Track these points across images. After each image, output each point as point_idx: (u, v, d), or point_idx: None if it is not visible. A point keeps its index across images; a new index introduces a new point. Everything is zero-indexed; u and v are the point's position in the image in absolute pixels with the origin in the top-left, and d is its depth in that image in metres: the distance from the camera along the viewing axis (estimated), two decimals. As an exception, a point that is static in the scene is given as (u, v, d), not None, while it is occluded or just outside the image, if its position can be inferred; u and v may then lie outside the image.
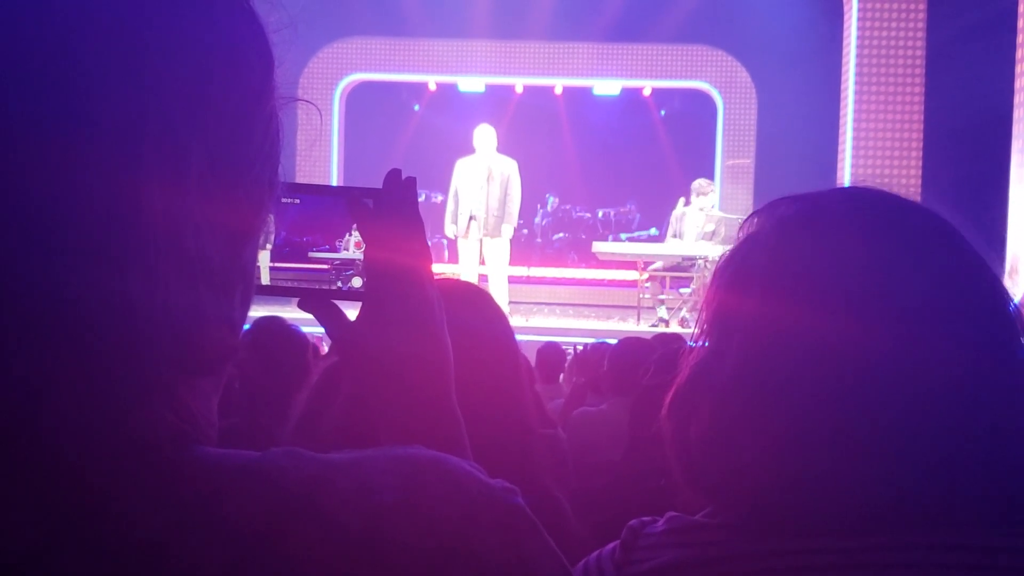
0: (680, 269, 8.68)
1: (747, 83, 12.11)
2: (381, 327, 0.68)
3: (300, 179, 0.76)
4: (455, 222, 8.64)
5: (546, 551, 0.51)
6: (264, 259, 0.63)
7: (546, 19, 11.59)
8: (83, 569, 0.43)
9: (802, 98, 10.36)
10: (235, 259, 0.51)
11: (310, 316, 0.70)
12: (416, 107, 14.00)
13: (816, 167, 9.47)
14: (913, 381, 0.70)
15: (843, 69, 9.55)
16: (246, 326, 0.55)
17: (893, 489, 0.70)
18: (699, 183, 8.96)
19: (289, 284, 0.76)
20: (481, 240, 8.60)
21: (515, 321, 6.82)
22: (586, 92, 13.13)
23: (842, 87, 9.57)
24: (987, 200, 6.93)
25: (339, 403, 1.14)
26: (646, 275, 8.85)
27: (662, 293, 8.86)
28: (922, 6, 9.09)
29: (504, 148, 8.89)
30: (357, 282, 0.75)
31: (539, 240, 13.37)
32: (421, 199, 0.63)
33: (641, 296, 9.06)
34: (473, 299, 1.29)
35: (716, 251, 7.71)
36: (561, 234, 13.54)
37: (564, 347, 5.53)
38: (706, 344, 0.81)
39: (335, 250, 0.80)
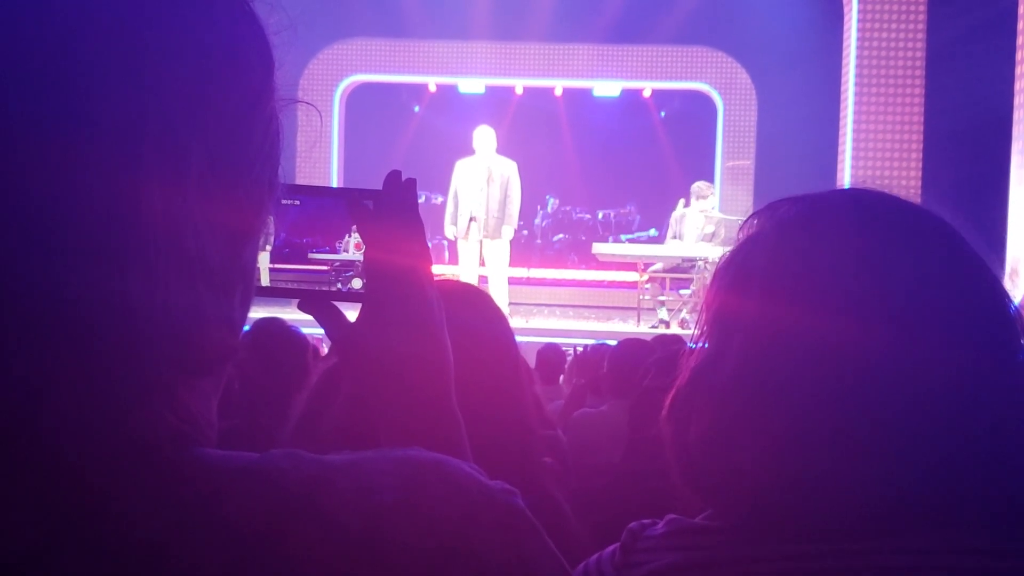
0: (680, 270, 8.68)
1: (747, 84, 12.10)
2: (381, 328, 0.68)
3: (300, 180, 0.76)
4: (455, 223, 8.63)
5: (545, 552, 0.51)
6: (264, 260, 0.63)
7: (546, 20, 11.59)
8: (83, 569, 0.43)
9: (802, 99, 10.35)
10: (235, 259, 0.51)
11: (310, 317, 0.70)
12: (416, 108, 13.99)
13: (816, 168, 9.47)
14: (913, 382, 0.70)
15: (843, 70, 9.55)
16: (246, 327, 0.55)
17: (893, 489, 0.70)
18: (699, 186, 8.96)
19: (289, 285, 0.76)
20: (481, 241, 8.60)
21: (515, 322, 6.83)
22: (586, 93, 13.13)
23: (842, 88, 9.57)
24: (987, 201, 6.92)
25: (339, 404, 1.14)
26: (646, 276, 8.85)
27: (662, 294, 8.86)
28: (922, 7, 9.09)
29: (504, 149, 8.89)
30: (357, 283, 0.75)
31: (539, 241, 13.36)
32: (421, 200, 0.63)
33: (641, 297, 9.06)
34: (473, 300, 1.29)
35: (716, 252, 7.71)
36: (561, 235, 13.53)
37: (564, 348, 5.53)
38: (706, 345, 0.81)
39: (335, 251, 0.80)
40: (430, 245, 0.72)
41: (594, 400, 3.70)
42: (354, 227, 0.73)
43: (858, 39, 9.18)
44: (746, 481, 0.73)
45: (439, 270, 10.37)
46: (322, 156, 11.92)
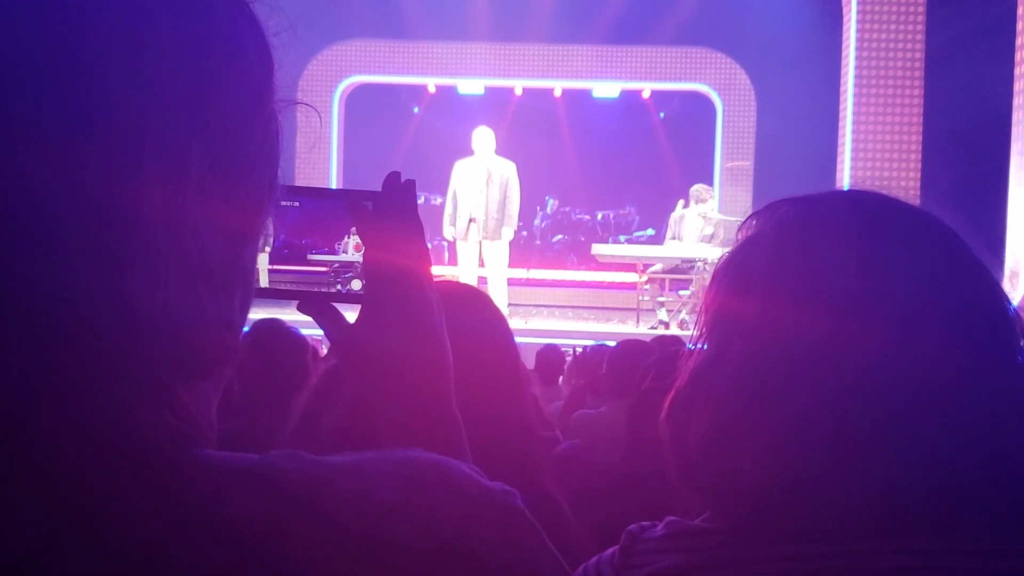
0: (679, 271, 8.68)
1: (746, 85, 12.11)
2: (380, 329, 0.68)
3: (300, 181, 0.76)
4: (454, 224, 8.63)
5: (545, 552, 0.52)
6: (263, 261, 0.63)
7: (545, 21, 11.60)
8: (83, 569, 0.43)
9: (801, 100, 10.36)
10: (235, 260, 0.51)
11: (309, 318, 0.70)
12: (415, 109, 13.99)
13: (815, 169, 9.47)
14: (913, 382, 0.70)
15: (842, 71, 9.56)
16: (246, 328, 0.55)
17: (893, 489, 0.70)
18: (698, 189, 8.96)
19: (288, 287, 0.76)
20: (480, 242, 8.60)
21: (514, 323, 6.82)
22: (585, 94, 13.13)
23: (841, 89, 9.58)
24: (986, 203, 6.92)
25: (339, 405, 1.14)
26: (645, 277, 8.86)
27: (661, 295, 8.86)
28: (921, 8, 9.09)
29: (503, 150, 8.89)
30: (356, 284, 0.75)
31: (538, 242, 13.36)
32: (420, 201, 0.63)
33: (640, 298, 9.06)
34: (472, 301, 1.29)
35: (715, 253, 7.71)
36: (560, 236, 13.54)
37: (563, 349, 5.54)
38: (705, 346, 0.81)
39: (334, 253, 0.80)
40: (429, 246, 0.72)
41: (593, 401, 3.70)
42: (353, 228, 0.73)
43: (857, 40, 9.19)
44: (746, 482, 0.73)
45: (438, 271, 10.38)
46: (321, 157, 11.93)
